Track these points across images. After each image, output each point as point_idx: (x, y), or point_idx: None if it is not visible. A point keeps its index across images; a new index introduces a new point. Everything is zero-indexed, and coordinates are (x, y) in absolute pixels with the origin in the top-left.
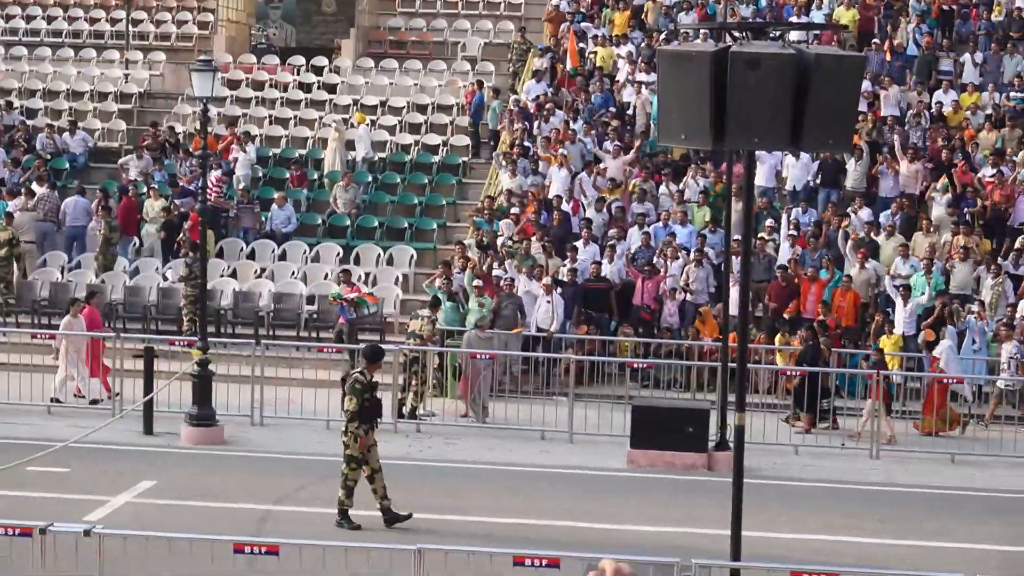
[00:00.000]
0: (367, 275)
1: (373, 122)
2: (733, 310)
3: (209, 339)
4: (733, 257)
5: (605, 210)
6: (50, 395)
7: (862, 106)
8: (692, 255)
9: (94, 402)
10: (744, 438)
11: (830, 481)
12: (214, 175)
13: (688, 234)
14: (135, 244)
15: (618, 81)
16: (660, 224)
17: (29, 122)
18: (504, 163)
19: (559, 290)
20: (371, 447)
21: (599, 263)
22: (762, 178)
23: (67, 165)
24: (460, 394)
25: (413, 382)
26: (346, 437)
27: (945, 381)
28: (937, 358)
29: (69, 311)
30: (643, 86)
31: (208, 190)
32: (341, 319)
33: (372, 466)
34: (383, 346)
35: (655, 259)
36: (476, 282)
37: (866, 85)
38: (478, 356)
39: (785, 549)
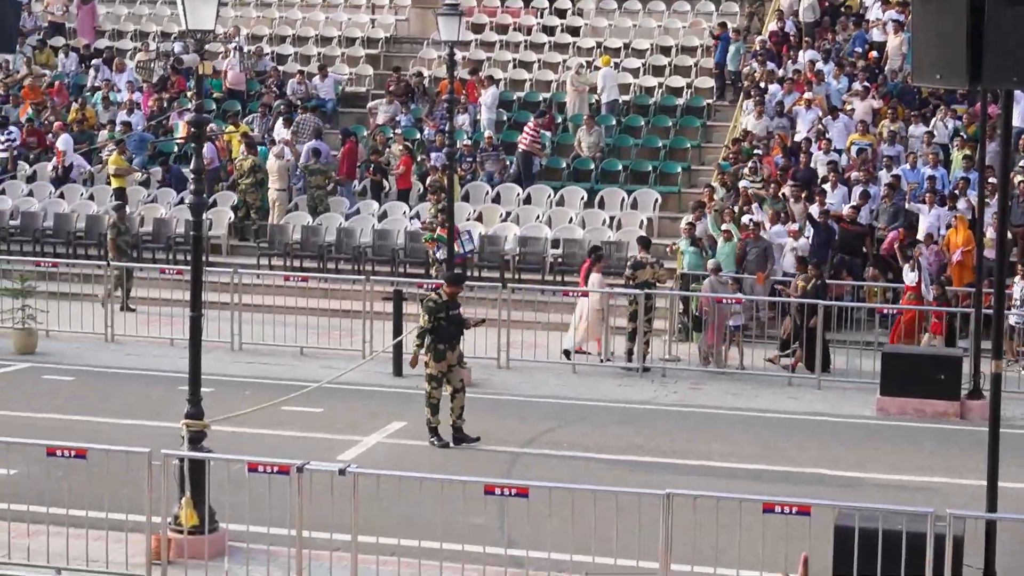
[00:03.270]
0: (611, 219)
1: (616, 65)
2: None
3: None
4: (987, 201)
5: (853, 153)
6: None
7: None
8: (947, 200)
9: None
10: (1000, 386)
11: None
12: (530, 123)
13: (940, 177)
14: (355, 187)
15: (868, 20)
16: (908, 166)
17: (280, 68)
18: (750, 104)
19: (808, 235)
20: (451, 367)
21: (856, 208)
22: (1018, 118)
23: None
24: (708, 340)
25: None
26: (426, 356)
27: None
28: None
29: (592, 267)
30: (901, 26)
31: (524, 135)
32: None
33: (453, 385)
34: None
35: (905, 203)
36: (725, 226)
37: None
38: (724, 301)
39: None
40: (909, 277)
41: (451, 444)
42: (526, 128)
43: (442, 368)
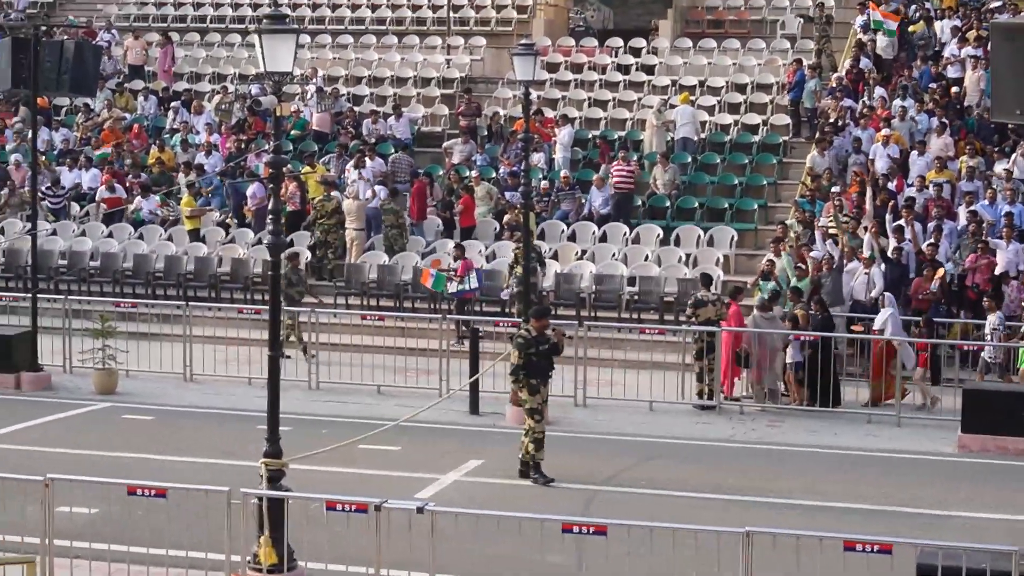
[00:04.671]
0: (687, 256)
1: (692, 102)
2: None
3: None
4: None
5: (931, 189)
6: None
7: None
8: None
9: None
10: None
11: None
12: (616, 162)
13: (1017, 213)
14: (438, 227)
15: (943, 56)
16: (987, 202)
17: (356, 108)
18: (817, 142)
19: (881, 266)
20: (545, 401)
21: (934, 245)
22: None
23: (392, 150)
24: (753, 378)
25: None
26: (523, 393)
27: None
28: (877, 331)
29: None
30: (978, 62)
31: (618, 174)
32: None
33: None
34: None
35: (987, 239)
36: (800, 264)
37: None
38: (768, 337)
39: None
40: (879, 320)
41: (553, 481)
42: (615, 168)
43: (538, 401)
